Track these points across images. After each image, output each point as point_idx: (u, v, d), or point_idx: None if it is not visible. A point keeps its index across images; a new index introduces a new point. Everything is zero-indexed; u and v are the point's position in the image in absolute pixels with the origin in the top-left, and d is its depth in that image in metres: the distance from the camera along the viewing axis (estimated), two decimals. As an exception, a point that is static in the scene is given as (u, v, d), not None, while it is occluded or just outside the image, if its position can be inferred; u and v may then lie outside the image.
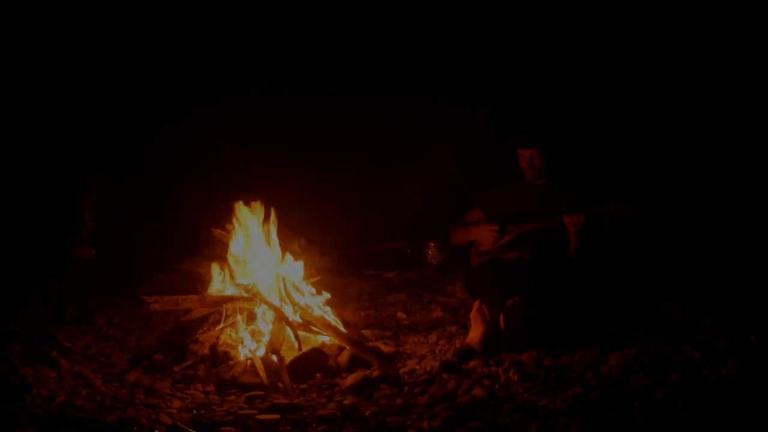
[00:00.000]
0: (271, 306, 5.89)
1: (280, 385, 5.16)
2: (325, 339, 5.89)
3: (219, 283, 6.29)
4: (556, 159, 6.71)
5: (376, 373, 5.15)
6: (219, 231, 6.40)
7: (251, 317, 6.06)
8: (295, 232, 6.74)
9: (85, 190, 6.76)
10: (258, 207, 6.40)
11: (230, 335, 5.89)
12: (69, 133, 9.05)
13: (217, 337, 5.72)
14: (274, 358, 5.35)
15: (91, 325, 6.89)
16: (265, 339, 5.70)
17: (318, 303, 6.25)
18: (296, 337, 5.60)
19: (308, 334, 5.90)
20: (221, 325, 5.86)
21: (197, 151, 9.70)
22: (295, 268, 6.41)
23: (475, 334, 5.60)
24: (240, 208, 6.38)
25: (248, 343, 5.70)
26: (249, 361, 5.40)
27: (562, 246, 6.43)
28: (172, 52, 9.63)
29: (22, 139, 8.74)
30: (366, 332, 6.38)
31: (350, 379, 5.09)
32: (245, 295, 6.03)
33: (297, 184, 8.03)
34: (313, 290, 6.39)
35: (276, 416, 4.56)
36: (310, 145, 9.88)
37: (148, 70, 9.67)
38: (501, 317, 5.52)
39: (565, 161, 6.82)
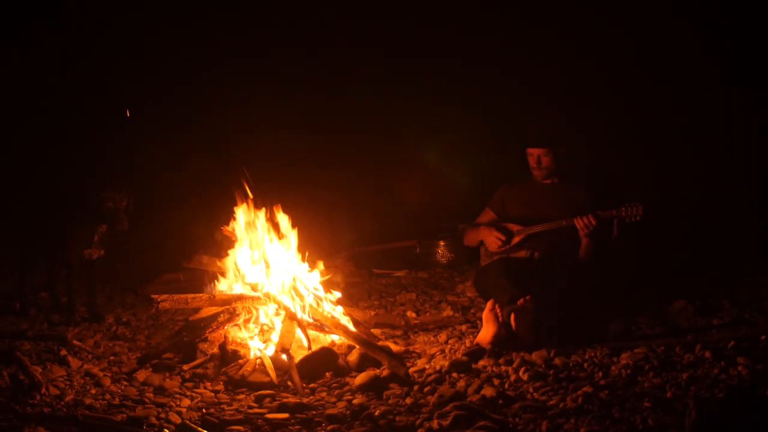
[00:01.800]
0: (280, 305, 5.89)
1: (289, 384, 5.15)
2: (334, 338, 5.87)
3: (229, 282, 6.28)
4: (565, 159, 6.70)
5: (385, 372, 5.13)
6: (228, 230, 6.38)
7: (261, 316, 6.05)
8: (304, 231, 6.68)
9: (99, 201, 6.72)
10: (268, 205, 6.40)
11: (240, 334, 5.87)
12: (82, 135, 9.08)
13: (227, 336, 5.70)
14: (284, 357, 5.32)
15: (101, 323, 6.88)
16: (275, 338, 5.68)
17: (328, 302, 6.23)
18: (306, 336, 5.58)
19: (318, 333, 5.89)
20: (231, 324, 5.85)
21: (206, 149, 9.70)
22: (305, 267, 6.40)
23: (486, 333, 5.56)
24: (250, 207, 6.40)
25: (258, 342, 5.69)
26: (258, 360, 5.37)
27: (572, 245, 6.46)
28: (177, 48, 9.64)
29: (37, 141, 8.76)
30: (376, 331, 6.35)
31: (360, 378, 5.07)
32: (255, 293, 6.02)
33: (306, 183, 8.03)
34: (323, 289, 6.36)
35: (285, 415, 4.55)
36: (319, 143, 9.86)
37: (153, 65, 9.70)
38: (512, 317, 5.49)
39: (574, 161, 6.80)
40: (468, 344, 5.86)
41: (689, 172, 8.90)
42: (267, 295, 5.97)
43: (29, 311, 7.13)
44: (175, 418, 4.54)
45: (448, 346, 5.95)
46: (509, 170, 7.26)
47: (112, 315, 7.23)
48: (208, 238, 6.89)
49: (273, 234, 6.36)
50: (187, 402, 4.86)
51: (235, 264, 6.30)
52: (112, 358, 5.86)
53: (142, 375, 5.35)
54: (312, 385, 5.16)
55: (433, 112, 10.07)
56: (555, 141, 6.73)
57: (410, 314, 7.09)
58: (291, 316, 5.73)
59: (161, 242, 8.69)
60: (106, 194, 6.71)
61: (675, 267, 7.63)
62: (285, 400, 4.81)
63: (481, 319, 5.83)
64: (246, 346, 5.67)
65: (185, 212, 8.05)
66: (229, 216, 6.43)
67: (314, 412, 4.62)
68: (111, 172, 7.13)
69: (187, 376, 5.36)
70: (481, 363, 5.31)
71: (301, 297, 6.04)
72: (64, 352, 5.72)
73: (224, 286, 6.24)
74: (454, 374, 5.12)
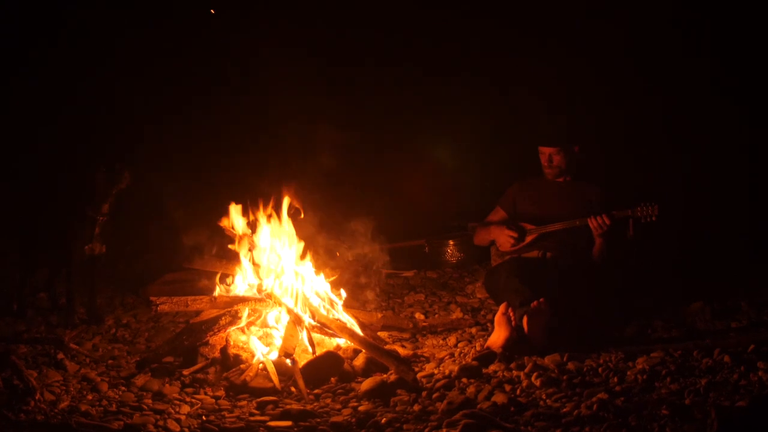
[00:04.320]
0: (284, 307, 5.78)
1: (293, 389, 5.04)
2: (340, 342, 5.78)
3: (231, 283, 6.18)
4: (577, 158, 6.62)
5: (392, 378, 5.03)
6: (231, 229, 6.26)
7: (264, 319, 5.94)
8: (309, 230, 6.60)
9: (112, 181, 6.62)
10: (274, 204, 6.32)
11: (242, 337, 5.76)
12: (80, 122, 9.00)
13: (228, 340, 5.58)
14: (288, 361, 5.22)
15: (100, 325, 6.79)
16: (278, 341, 5.59)
17: (333, 304, 6.13)
18: (310, 339, 5.49)
19: (323, 337, 5.80)
20: (233, 327, 5.73)
21: (214, 147, 9.64)
22: (310, 268, 6.29)
23: (498, 337, 5.46)
24: (255, 206, 6.32)
25: (260, 346, 5.57)
26: (261, 364, 5.26)
27: (585, 245, 6.39)
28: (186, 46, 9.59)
29: (31, 129, 8.68)
30: (383, 334, 6.26)
31: (366, 384, 4.95)
32: (258, 295, 5.92)
33: (312, 182, 7.92)
34: (329, 290, 6.25)
35: (288, 423, 4.43)
36: (325, 141, 9.78)
37: (166, 64, 9.64)
38: (525, 319, 5.39)
39: (587, 160, 6.69)
40: (478, 348, 5.74)
41: (705, 170, 8.80)
42: (270, 297, 5.86)
43: (27, 312, 7.04)
44: (174, 426, 4.43)
45: (458, 349, 5.84)
46: (521, 167, 7.14)
47: (111, 317, 7.13)
48: (211, 237, 6.75)
49: (277, 233, 6.26)
50: (186, 408, 4.74)
51: (239, 265, 6.23)
52: (110, 361, 5.75)
53: (140, 380, 5.22)
54: (316, 390, 5.04)
55: (442, 109, 9.99)
56: (567, 140, 6.62)
57: (419, 316, 7.01)
58: (295, 319, 5.62)
59: (164, 241, 8.58)
60: (96, 166, 6.63)
61: (691, 267, 7.52)
62: (288, 406, 4.70)
63: (491, 322, 5.81)
64: (248, 350, 5.56)
65: (189, 211, 7.92)
66: (237, 214, 6.33)
67: (318, 420, 4.50)
68: (113, 169, 6.97)
69: (187, 381, 5.23)
70: (492, 368, 5.19)
71: (305, 299, 5.93)
72: (61, 355, 5.61)
73: (226, 287, 6.14)
74: (464, 380, 4.99)
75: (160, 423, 4.45)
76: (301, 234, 6.36)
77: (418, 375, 5.11)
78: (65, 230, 6.75)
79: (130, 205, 7.13)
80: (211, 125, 9.90)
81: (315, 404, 4.81)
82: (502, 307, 5.53)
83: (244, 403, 4.88)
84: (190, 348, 5.61)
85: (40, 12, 9.18)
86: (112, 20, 9.40)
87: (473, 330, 6.35)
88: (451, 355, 5.69)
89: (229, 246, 6.31)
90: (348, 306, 6.31)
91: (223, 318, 5.70)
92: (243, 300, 5.83)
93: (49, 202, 7.03)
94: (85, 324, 6.78)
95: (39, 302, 7.44)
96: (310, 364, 5.27)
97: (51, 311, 7.15)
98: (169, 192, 7.79)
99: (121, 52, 9.45)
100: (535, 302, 5.41)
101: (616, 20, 9.10)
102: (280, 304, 5.82)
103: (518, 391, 4.73)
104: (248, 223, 6.28)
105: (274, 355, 5.40)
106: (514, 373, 5.04)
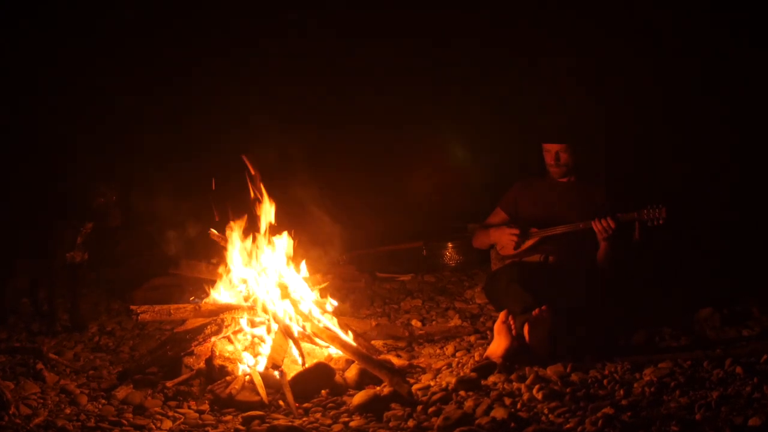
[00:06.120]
0: (272, 316, 5.60)
1: (281, 403, 4.87)
2: (331, 352, 5.61)
3: (217, 290, 6.00)
4: (584, 156, 6.42)
5: (386, 390, 4.82)
6: (217, 234, 6.09)
7: (251, 328, 5.76)
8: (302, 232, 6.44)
9: (88, 196, 6.45)
10: (261, 208, 6.15)
11: (228, 348, 5.59)
12: (66, 133, 8.86)
13: (214, 350, 5.41)
14: (276, 373, 5.05)
15: (83, 333, 6.65)
16: (266, 352, 5.40)
17: (324, 311, 5.97)
18: (299, 350, 5.31)
19: (313, 347, 5.63)
20: (218, 337, 5.56)
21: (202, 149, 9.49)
22: (299, 273, 6.14)
23: (497, 346, 5.28)
24: (241, 209, 6.13)
25: (247, 357, 5.42)
26: (248, 376, 5.10)
27: (589, 249, 6.23)
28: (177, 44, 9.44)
29: (17, 140, 8.54)
30: (377, 343, 6.09)
31: (358, 398, 4.75)
32: (245, 304, 5.75)
33: (306, 182, 7.79)
34: (320, 297, 6.10)
35: (275, 440, 4.25)
36: (320, 139, 9.65)
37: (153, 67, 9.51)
38: (526, 328, 5.20)
39: (593, 158, 6.50)
40: (477, 357, 5.57)
41: (712, 169, 8.63)
42: (257, 306, 5.70)
43: (8, 319, 6.91)
44: (154, 443, 4.26)
45: (456, 359, 5.67)
46: (523, 167, 6.97)
47: (95, 323, 7.00)
48: (199, 242, 6.58)
49: (267, 238, 6.12)
50: (168, 424, 4.58)
51: (225, 271, 6.06)
52: (91, 372, 5.58)
53: (122, 392, 5.03)
54: (306, 404, 4.86)
55: (441, 105, 9.84)
56: (574, 136, 6.44)
57: (415, 323, 6.86)
58: (283, 329, 5.45)
59: (152, 245, 8.42)
60: (95, 189, 6.47)
61: (698, 271, 7.35)
62: (276, 422, 4.51)
63: (491, 330, 5.68)
64: (234, 361, 5.39)
65: (177, 213, 7.77)
66: (221, 218, 6.18)
67: (307, 437, 4.34)
68: (97, 171, 6.83)
69: (171, 393, 5.05)
70: (491, 379, 5.01)
71: (295, 306, 5.74)
72: (40, 365, 5.44)
73: (213, 294, 5.98)
74: (462, 392, 4.81)
75: (141, 440, 4.30)
76: (290, 237, 6.18)
77: (414, 387, 4.93)
78: (47, 235, 6.58)
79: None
80: (206, 124, 9.76)
81: (304, 419, 4.64)
82: (502, 315, 5.36)
83: (229, 417, 4.71)
84: (174, 358, 5.44)
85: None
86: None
87: (472, 338, 6.18)
88: (449, 365, 5.52)
89: (219, 249, 6.17)
90: (340, 313, 6.17)
91: (208, 327, 5.54)
92: (229, 308, 5.67)
93: (32, 208, 6.86)
94: (67, 331, 6.64)
95: (22, 308, 7.31)
96: (299, 376, 5.10)
97: (33, 318, 7.02)
98: (159, 195, 7.63)
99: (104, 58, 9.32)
100: (536, 310, 5.23)
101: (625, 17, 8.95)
102: (268, 313, 5.64)
103: (519, 405, 4.54)
104: (237, 228, 6.10)
105: (261, 367, 5.24)
106: (515, 385, 4.87)
